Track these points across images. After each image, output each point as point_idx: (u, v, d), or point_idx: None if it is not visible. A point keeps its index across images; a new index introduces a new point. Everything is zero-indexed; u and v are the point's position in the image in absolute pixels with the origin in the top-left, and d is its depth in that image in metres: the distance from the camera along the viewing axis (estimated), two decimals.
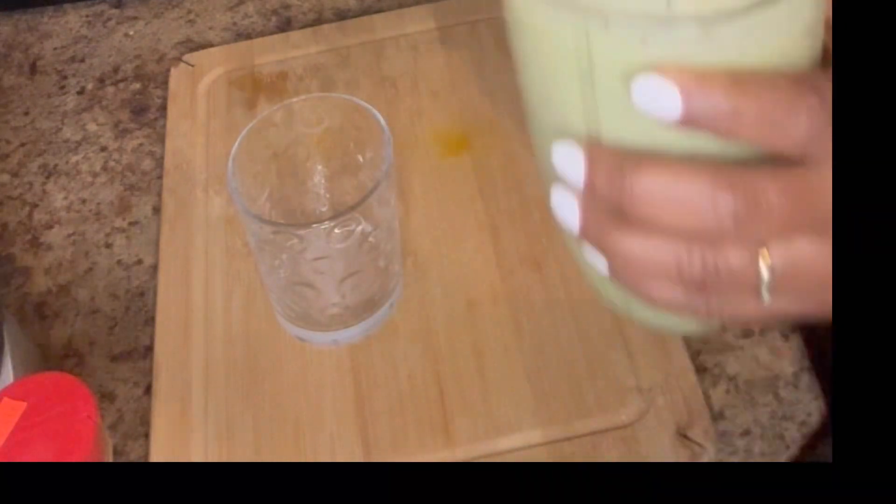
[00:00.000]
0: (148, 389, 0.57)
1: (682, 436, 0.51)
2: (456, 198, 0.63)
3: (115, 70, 0.75)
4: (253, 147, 0.54)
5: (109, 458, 0.50)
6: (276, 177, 0.56)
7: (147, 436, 0.55)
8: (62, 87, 0.75)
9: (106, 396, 0.57)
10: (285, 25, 0.77)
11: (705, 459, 0.50)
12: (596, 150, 0.33)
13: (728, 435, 0.52)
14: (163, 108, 0.72)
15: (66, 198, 0.68)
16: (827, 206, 0.31)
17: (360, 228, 0.52)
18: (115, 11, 0.80)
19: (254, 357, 0.57)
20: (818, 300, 0.32)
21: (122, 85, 0.74)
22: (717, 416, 0.52)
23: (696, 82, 0.30)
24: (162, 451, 0.54)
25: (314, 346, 0.57)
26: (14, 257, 0.65)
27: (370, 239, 0.52)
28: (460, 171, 0.64)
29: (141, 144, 0.70)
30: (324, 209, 0.58)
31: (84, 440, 0.47)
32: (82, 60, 0.77)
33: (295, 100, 0.55)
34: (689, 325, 0.42)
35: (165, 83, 0.73)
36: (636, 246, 0.32)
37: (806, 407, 0.52)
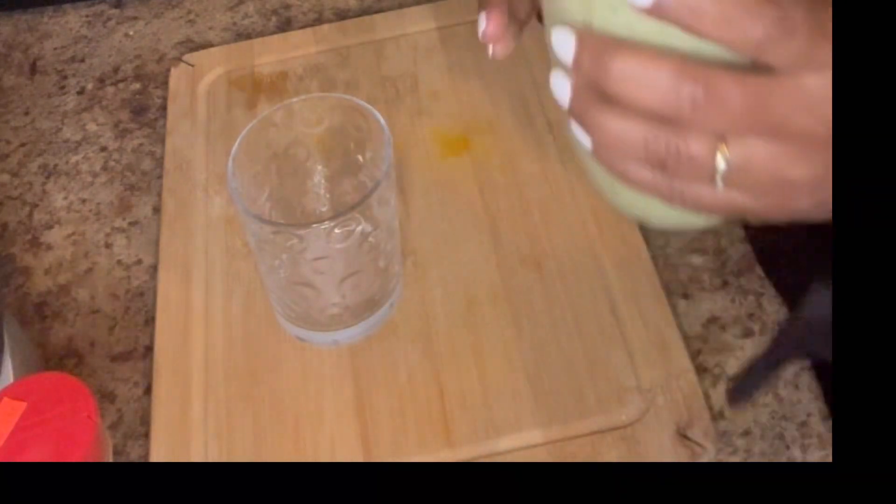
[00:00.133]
0: (148, 389, 0.57)
1: (682, 436, 0.51)
2: (456, 198, 0.63)
3: (115, 70, 0.76)
4: (253, 147, 0.54)
5: (109, 458, 0.50)
6: (276, 177, 0.56)
7: (147, 436, 0.55)
8: (62, 87, 0.75)
9: (106, 396, 0.57)
10: (285, 25, 0.77)
11: (705, 459, 0.50)
12: (585, 35, 0.38)
13: (728, 435, 0.52)
14: (163, 108, 0.72)
15: (66, 198, 0.68)
16: (782, 114, 0.34)
17: (360, 228, 0.52)
18: (115, 11, 0.80)
19: (254, 357, 0.57)
20: (767, 201, 0.36)
21: (122, 85, 0.74)
22: (717, 416, 0.52)
23: None
24: (162, 451, 0.54)
25: (314, 346, 0.57)
26: (14, 257, 0.65)
27: (370, 239, 0.52)
28: (460, 171, 0.64)
29: (141, 144, 0.70)
30: (324, 209, 0.58)
31: (84, 440, 0.47)
32: (82, 60, 0.77)
33: (295, 100, 0.55)
34: (665, 216, 0.44)
35: (165, 83, 0.73)
36: (612, 123, 0.36)
37: (806, 407, 0.52)
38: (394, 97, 0.69)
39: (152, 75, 0.75)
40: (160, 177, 0.67)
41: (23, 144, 0.71)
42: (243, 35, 0.76)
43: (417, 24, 0.73)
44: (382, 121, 0.53)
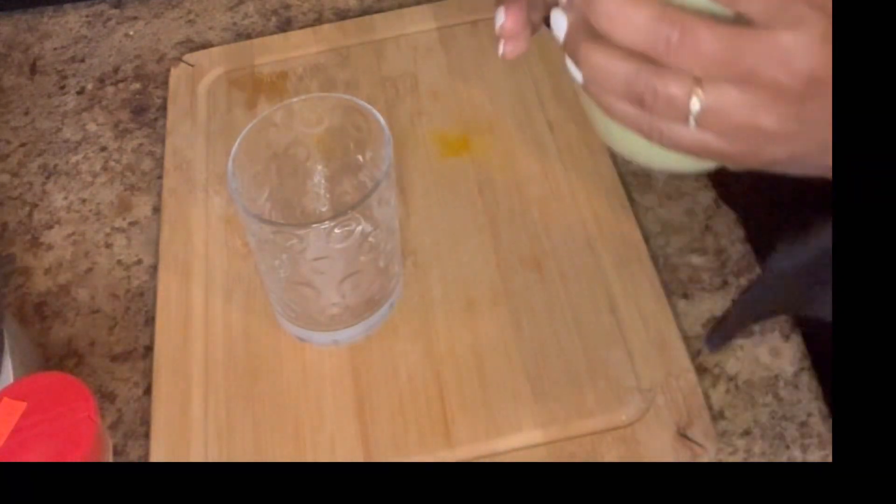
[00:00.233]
0: (148, 389, 0.57)
1: (682, 436, 0.51)
2: (456, 198, 0.63)
3: (115, 70, 0.76)
4: (253, 147, 0.54)
5: (109, 458, 0.50)
6: (276, 177, 0.56)
7: (147, 436, 0.55)
8: (62, 87, 0.75)
9: (106, 396, 0.57)
10: (285, 25, 0.77)
11: (705, 459, 0.50)
12: None
13: (728, 435, 0.52)
14: (163, 108, 0.72)
15: (66, 198, 0.68)
16: (754, 63, 0.36)
17: (360, 228, 0.52)
18: (115, 11, 0.80)
19: (254, 357, 0.57)
20: (739, 146, 0.39)
21: (122, 85, 0.74)
22: (717, 416, 0.52)
23: None
24: (162, 450, 0.54)
25: (314, 346, 0.57)
26: (14, 257, 0.65)
27: (370, 239, 0.52)
28: (460, 171, 0.64)
29: (141, 144, 0.70)
30: (324, 209, 0.58)
31: (84, 440, 0.47)
32: (82, 60, 0.77)
33: (295, 100, 0.55)
34: (651, 156, 0.45)
35: (165, 83, 0.73)
36: (598, 57, 0.39)
37: (806, 407, 0.52)
38: (394, 97, 0.69)
39: (152, 75, 0.75)
40: (160, 177, 0.67)
41: (23, 144, 0.71)
42: (243, 35, 0.76)
43: (417, 24, 0.73)
44: (382, 121, 0.53)
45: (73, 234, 0.65)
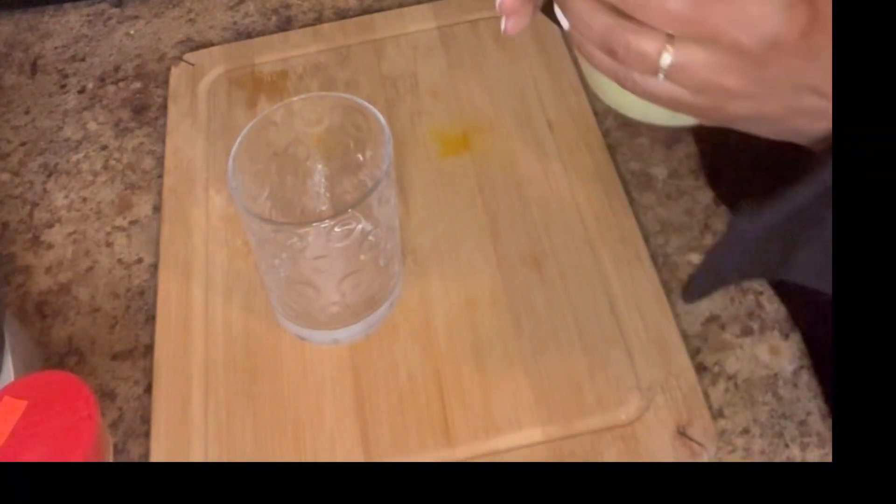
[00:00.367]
0: (148, 388, 0.57)
1: (682, 434, 0.51)
2: (456, 197, 0.63)
3: (116, 69, 0.76)
4: (253, 146, 0.54)
5: (110, 457, 0.50)
6: (277, 176, 0.56)
7: (147, 434, 0.55)
8: (63, 87, 0.75)
9: (106, 395, 0.57)
10: (285, 25, 0.77)
11: (705, 458, 0.51)
12: None
13: (727, 433, 0.52)
14: (163, 108, 0.72)
15: (66, 197, 0.68)
16: (718, 24, 0.37)
17: (360, 227, 0.52)
18: (115, 11, 0.80)
19: (254, 356, 0.57)
20: (705, 100, 0.41)
21: (122, 84, 0.74)
22: (716, 415, 0.53)
23: None
24: (162, 450, 0.54)
25: (314, 345, 0.57)
26: (15, 256, 0.65)
27: (370, 238, 0.52)
28: (460, 171, 0.64)
29: (141, 143, 0.70)
30: (324, 208, 0.58)
31: (84, 439, 0.47)
32: (83, 59, 0.77)
33: (295, 99, 0.55)
34: (631, 107, 0.47)
35: (166, 82, 0.73)
36: (580, 8, 0.41)
37: (805, 405, 0.52)
38: (394, 96, 0.69)
39: (153, 74, 0.75)
40: (161, 176, 0.67)
41: (23, 143, 0.72)
42: (244, 34, 0.76)
43: (417, 23, 0.73)
44: (382, 120, 0.53)
45: (73, 232, 0.65)
